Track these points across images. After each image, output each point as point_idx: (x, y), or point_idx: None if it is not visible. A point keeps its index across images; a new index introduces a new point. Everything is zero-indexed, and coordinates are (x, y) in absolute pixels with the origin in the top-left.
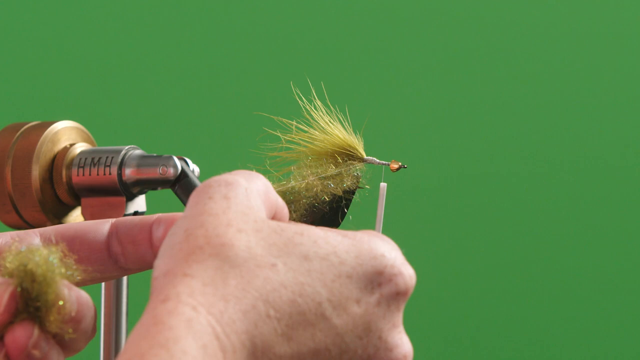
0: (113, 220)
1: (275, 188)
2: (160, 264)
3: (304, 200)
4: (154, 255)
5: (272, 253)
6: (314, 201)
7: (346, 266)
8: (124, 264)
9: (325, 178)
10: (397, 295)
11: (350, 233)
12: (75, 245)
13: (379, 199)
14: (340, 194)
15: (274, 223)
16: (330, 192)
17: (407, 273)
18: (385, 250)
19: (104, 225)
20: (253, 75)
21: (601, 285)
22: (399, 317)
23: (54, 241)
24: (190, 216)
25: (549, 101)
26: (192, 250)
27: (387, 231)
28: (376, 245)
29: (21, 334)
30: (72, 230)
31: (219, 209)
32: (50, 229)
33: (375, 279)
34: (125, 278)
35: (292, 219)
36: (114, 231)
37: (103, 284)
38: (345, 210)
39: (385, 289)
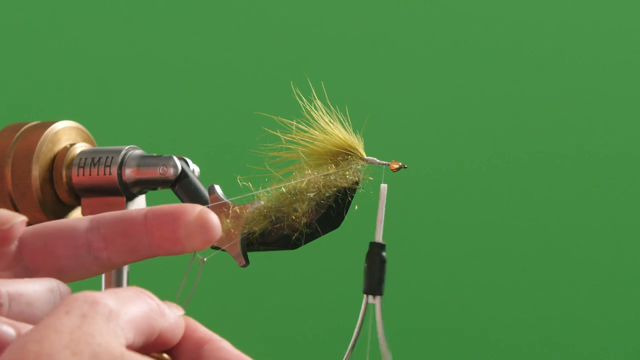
0: (91, 217)
1: (276, 189)
2: None
3: (308, 199)
4: (150, 245)
5: None
6: (317, 198)
7: None
8: (107, 258)
9: (325, 176)
10: None
11: None
12: (53, 243)
13: (379, 200)
14: (344, 185)
15: (119, 351)
16: (333, 184)
17: None
18: None
19: (81, 222)
20: (253, 75)
21: (602, 285)
22: None
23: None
24: (38, 327)
25: (550, 101)
26: None
27: (388, 232)
28: None
29: None
30: (49, 229)
31: (68, 326)
32: (29, 232)
33: None
34: (125, 275)
35: (298, 220)
36: (94, 227)
37: (103, 281)
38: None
39: None
